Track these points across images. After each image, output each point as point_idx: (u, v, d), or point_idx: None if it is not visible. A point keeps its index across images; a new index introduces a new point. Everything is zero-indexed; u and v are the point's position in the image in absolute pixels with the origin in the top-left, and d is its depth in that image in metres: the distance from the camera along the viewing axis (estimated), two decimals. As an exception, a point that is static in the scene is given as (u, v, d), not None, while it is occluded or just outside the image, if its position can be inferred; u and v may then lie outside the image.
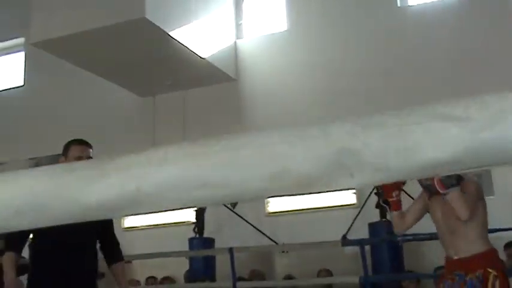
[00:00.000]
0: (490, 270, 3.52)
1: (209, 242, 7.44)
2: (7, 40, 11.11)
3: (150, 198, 0.66)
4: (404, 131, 0.57)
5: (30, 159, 10.20)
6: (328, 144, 0.59)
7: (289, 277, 7.16)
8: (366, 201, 7.14)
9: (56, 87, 10.31)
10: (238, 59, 9.28)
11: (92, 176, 0.68)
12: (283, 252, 7.82)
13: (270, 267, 7.87)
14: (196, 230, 7.62)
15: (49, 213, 0.71)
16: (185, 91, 9.16)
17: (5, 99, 10.87)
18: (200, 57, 8.24)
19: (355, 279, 5.87)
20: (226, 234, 7.97)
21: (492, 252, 3.63)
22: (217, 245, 7.60)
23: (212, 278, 7.20)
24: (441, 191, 3.45)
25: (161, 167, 0.65)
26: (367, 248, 6.25)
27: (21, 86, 10.80)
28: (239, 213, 8.18)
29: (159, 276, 7.89)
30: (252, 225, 8.09)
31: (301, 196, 8.23)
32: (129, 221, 9.03)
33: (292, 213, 8.27)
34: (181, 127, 9.13)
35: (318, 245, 6.57)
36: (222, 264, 7.07)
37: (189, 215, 8.06)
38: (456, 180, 3.47)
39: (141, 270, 8.24)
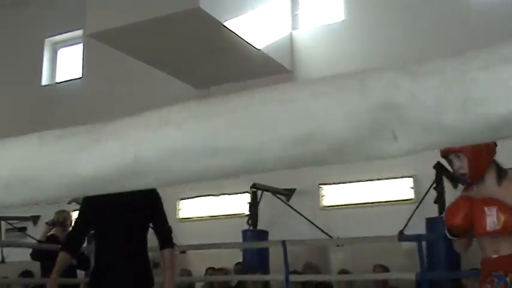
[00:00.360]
0: None
1: (263, 235, 7.36)
2: (66, 32, 11.30)
3: (151, 167, 0.55)
4: (465, 79, 0.43)
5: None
6: (366, 99, 0.46)
7: (343, 271, 7.00)
8: (424, 195, 6.91)
9: (114, 78, 10.42)
10: (294, 50, 9.14)
11: (86, 143, 0.58)
12: (338, 246, 7.66)
13: (325, 261, 7.73)
14: (249, 222, 7.55)
15: (41, 187, 0.62)
16: (240, 83, 9.07)
17: (64, 91, 11.07)
18: (255, 48, 8.14)
19: (412, 276, 5.68)
20: (280, 227, 7.88)
21: None
22: (270, 238, 7.51)
23: (265, 271, 7.12)
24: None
25: (163, 130, 0.54)
26: (425, 244, 6.04)
27: (80, 77, 10.97)
28: (293, 206, 8.07)
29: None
30: (306, 218, 7.96)
31: (358, 190, 8.07)
32: (184, 212, 9.06)
33: (348, 207, 8.10)
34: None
35: (374, 240, 6.39)
36: (275, 257, 6.98)
37: (243, 208, 8.01)
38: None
39: (195, 261, 8.25)
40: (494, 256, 3.19)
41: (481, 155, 3.27)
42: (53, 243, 6.76)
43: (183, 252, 7.93)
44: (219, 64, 8.51)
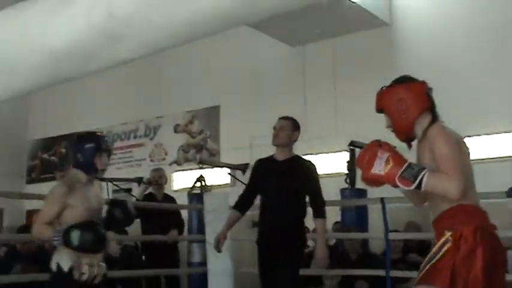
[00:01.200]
0: (446, 232, 2.68)
1: (361, 193, 7.22)
2: None
3: (128, 25, 0.47)
4: None
5: (187, 112, 10.56)
6: None
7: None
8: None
9: (208, 41, 10.44)
10: (392, 3, 8.78)
11: (55, 8, 0.51)
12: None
13: (427, 219, 7.49)
14: (348, 180, 7.44)
15: (14, 71, 0.56)
16: (335, 39, 8.87)
17: (160, 55, 11.22)
18: (351, 1, 7.89)
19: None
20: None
21: (462, 208, 2.70)
22: (369, 197, 7.37)
23: (364, 229, 7.02)
24: (409, 189, 2.69)
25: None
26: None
27: (177, 41, 11.10)
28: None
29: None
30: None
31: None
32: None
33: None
34: (331, 76, 8.90)
35: (481, 196, 6.08)
36: (374, 217, 6.86)
37: (341, 166, 7.89)
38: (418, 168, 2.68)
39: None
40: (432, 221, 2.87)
41: (401, 108, 2.87)
42: (149, 201, 6.96)
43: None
44: (314, 20, 8.33)
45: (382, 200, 5.92)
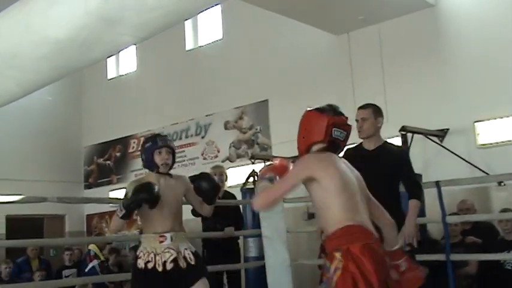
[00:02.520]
0: (335, 254, 2.72)
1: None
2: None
3: (123, 8, 0.49)
4: None
5: (236, 108, 10.63)
6: None
7: (506, 211, 6.61)
8: None
9: (253, 36, 10.53)
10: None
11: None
12: (500, 184, 7.25)
13: (485, 202, 7.36)
14: (401, 166, 7.34)
15: (21, 64, 0.59)
16: (379, 24, 8.77)
17: (206, 53, 11.37)
18: (394, -16, 7.80)
19: None
20: (434, 169, 7.60)
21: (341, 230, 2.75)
22: (424, 180, 7.28)
23: (421, 214, 6.91)
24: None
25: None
26: None
27: (220, 39, 11.19)
28: (447, 147, 7.75)
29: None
30: (462, 158, 7.61)
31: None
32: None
33: (507, 143, 7.61)
34: (378, 62, 8.81)
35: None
36: (430, 202, 6.76)
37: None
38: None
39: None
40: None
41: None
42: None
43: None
44: (357, 7, 8.26)
45: (437, 183, 5.82)
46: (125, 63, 13.13)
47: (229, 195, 7.10)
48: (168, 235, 3.86)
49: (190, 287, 3.86)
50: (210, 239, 6.80)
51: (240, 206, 7.14)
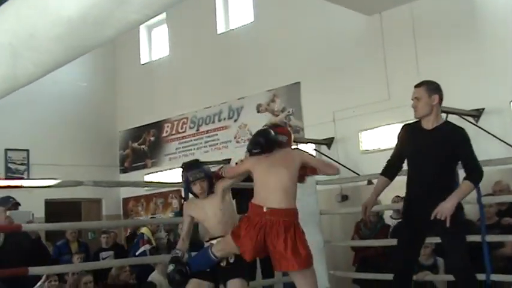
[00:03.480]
0: None
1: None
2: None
3: None
4: None
5: (268, 91, 10.63)
6: None
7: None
8: None
9: (284, 18, 10.48)
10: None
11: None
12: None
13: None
14: (435, 147, 7.28)
15: (38, 45, 0.61)
16: (412, 3, 8.64)
17: (238, 36, 11.37)
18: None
19: None
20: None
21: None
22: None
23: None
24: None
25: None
26: None
27: (252, 22, 11.17)
28: (482, 127, 7.65)
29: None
30: (497, 138, 7.51)
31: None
32: (366, 144, 8.98)
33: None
34: (412, 42, 8.69)
35: None
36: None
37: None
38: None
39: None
40: None
41: None
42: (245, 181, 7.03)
43: (370, 183, 7.89)
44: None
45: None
46: (157, 48, 13.21)
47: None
48: None
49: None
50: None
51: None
